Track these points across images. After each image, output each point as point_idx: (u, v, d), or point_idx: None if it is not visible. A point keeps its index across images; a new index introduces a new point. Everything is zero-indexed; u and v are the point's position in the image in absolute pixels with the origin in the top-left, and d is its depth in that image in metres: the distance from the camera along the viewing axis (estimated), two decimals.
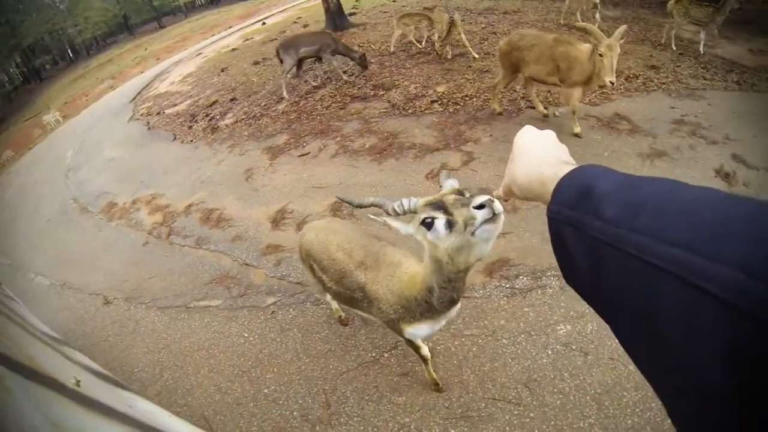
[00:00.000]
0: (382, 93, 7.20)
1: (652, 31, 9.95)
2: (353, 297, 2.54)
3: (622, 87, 7.12)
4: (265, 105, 8.01)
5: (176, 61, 15.27)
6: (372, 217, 1.86)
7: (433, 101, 6.59)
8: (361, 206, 1.92)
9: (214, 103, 8.95)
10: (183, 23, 23.80)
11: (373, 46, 9.53)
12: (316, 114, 7.12)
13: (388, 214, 1.83)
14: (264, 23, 15.81)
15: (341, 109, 7.04)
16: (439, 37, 8.12)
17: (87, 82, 18.96)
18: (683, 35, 9.77)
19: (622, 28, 4.65)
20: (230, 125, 7.71)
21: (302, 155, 5.96)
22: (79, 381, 1.92)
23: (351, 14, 12.66)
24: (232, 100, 8.76)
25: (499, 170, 4.92)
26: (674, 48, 8.63)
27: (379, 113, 6.60)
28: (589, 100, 6.61)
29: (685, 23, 8.63)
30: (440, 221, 1.70)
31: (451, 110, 6.31)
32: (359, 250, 2.58)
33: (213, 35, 17.71)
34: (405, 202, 1.82)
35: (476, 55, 8.04)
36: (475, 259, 1.77)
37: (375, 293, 2.41)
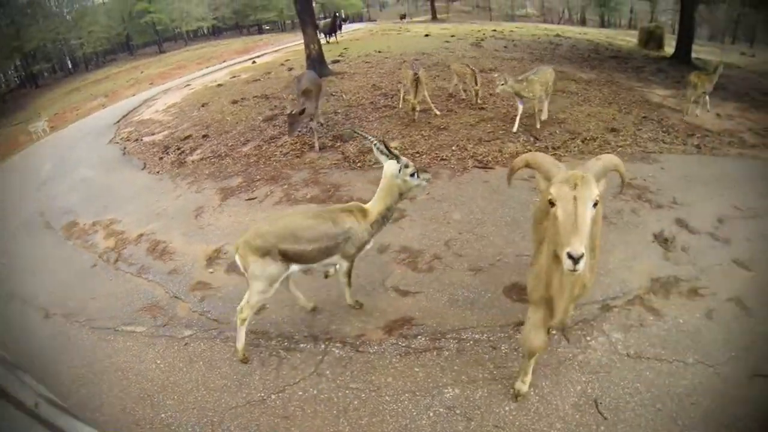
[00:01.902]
0: (339, 145, 7.70)
1: (622, 94, 10.49)
2: (334, 245, 3.68)
3: (576, 149, 7.43)
4: (231, 145, 8.48)
5: (165, 89, 15.69)
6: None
7: None
8: (371, 140, 3.85)
9: (188, 137, 9.41)
10: (182, 51, 24.38)
11: (344, 96, 10.08)
12: (274, 160, 7.58)
13: (381, 153, 3.77)
14: (254, 62, 16.42)
15: (297, 157, 7.51)
16: (405, 93, 8.59)
17: (80, 96, 19.34)
18: (652, 99, 10.43)
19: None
20: (196, 161, 8.16)
21: (249, 199, 6.42)
22: (37, 403, 2.18)
23: (335, 62, 13.29)
24: (204, 136, 9.23)
25: (426, 230, 5.32)
26: (697, 114, 9.17)
27: (330, 164, 7.09)
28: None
29: (699, 92, 9.13)
30: (410, 167, 3.70)
31: None
32: (324, 214, 3.76)
33: (207, 67, 18.33)
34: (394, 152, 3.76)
35: (438, 112, 8.57)
36: (410, 192, 3.85)
37: (356, 229, 3.71)
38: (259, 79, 12.89)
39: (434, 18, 25.07)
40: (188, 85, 15.10)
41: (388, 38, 17.79)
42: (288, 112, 7.30)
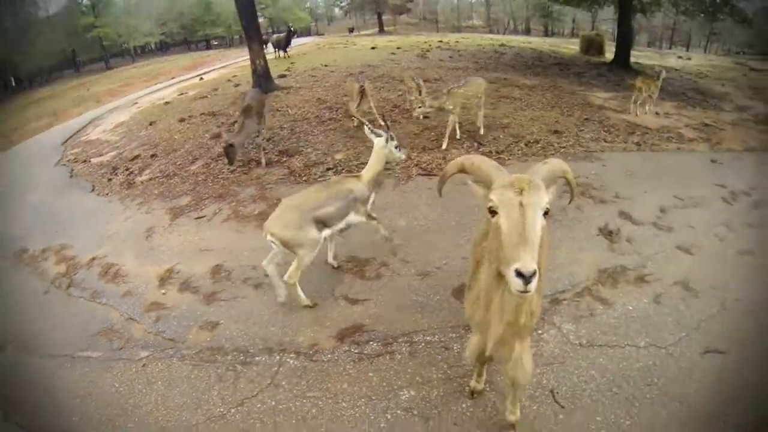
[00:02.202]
0: (285, 159, 7.95)
1: (564, 98, 11.11)
2: (347, 204, 4.66)
3: (519, 152, 7.86)
4: (180, 164, 8.60)
5: (113, 108, 15.49)
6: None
7: (328, 168, 7.38)
8: (365, 124, 5.10)
9: (136, 157, 9.45)
10: (130, 67, 23.94)
11: (290, 111, 10.32)
12: (222, 177, 7.77)
13: (371, 132, 4.94)
14: (201, 78, 16.39)
15: (244, 174, 7.72)
16: (350, 107, 8.83)
17: (25, 115, 18.55)
18: (594, 102, 11.03)
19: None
20: (145, 182, 8.24)
21: (198, 218, 6.60)
22: None
23: (282, 76, 13.49)
24: (152, 156, 9.30)
25: (372, 239, 5.47)
26: (637, 114, 10.09)
27: (276, 180, 7.34)
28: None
29: (644, 95, 10.06)
30: (395, 141, 4.97)
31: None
32: (331, 184, 4.80)
33: (155, 84, 18.10)
34: (382, 132, 4.92)
35: (383, 123, 8.88)
36: (394, 160, 5.22)
37: (358, 189, 4.75)
38: (207, 96, 12.96)
39: (381, 31, 25.41)
40: (136, 103, 14.98)
41: (335, 52, 18.01)
42: (224, 141, 7.43)
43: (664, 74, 10.47)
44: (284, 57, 17.74)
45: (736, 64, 19.58)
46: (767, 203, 6.59)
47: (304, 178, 7.28)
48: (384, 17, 26.54)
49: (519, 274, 1.80)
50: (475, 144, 8.15)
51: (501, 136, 8.47)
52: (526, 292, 1.83)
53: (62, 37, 25.18)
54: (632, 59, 16.45)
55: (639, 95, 9.99)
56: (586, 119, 9.58)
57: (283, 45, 17.92)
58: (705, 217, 6.00)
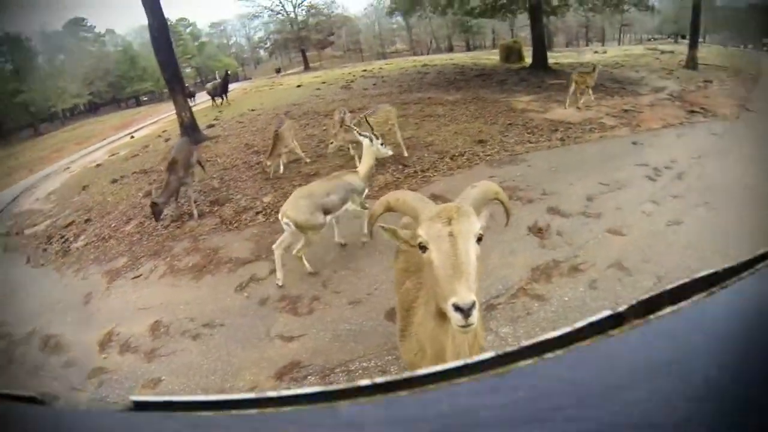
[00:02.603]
0: (216, 209, 8.17)
1: (488, 107, 11.63)
2: (346, 194, 5.70)
3: (445, 167, 8.20)
4: (114, 226, 8.69)
5: (45, 175, 15.36)
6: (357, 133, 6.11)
7: (257, 213, 7.64)
8: (354, 129, 6.55)
9: (70, 224, 9.45)
10: (60, 132, 23.48)
11: (219, 160, 10.55)
12: (156, 234, 7.90)
13: (360, 135, 6.00)
14: (132, 137, 16.40)
15: (178, 228, 7.89)
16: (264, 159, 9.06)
17: None
18: (517, 106, 11.55)
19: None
20: (80, 248, 8.29)
21: (135, 277, 6.75)
22: None
23: (210, 126, 13.71)
24: (87, 221, 9.33)
25: (302, 274, 5.74)
26: (579, 108, 10.84)
27: (209, 230, 7.55)
28: (407, 187, 7.38)
29: (580, 89, 10.87)
30: (380, 139, 6.02)
31: (272, 220, 7.24)
32: (332, 178, 5.83)
33: (87, 147, 17.78)
34: (368, 134, 5.99)
35: (307, 160, 9.22)
36: (382, 156, 6.18)
37: (356, 182, 5.77)
38: (138, 154, 13.02)
39: (307, 68, 25.87)
40: (68, 168, 14.89)
41: (262, 95, 18.38)
42: (151, 199, 7.62)
43: (599, 67, 11.52)
44: (224, 103, 17.75)
45: (647, 50, 20.84)
46: (690, 173, 7.09)
47: (235, 225, 7.51)
48: (309, 53, 27.08)
49: (457, 308, 1.71)
50: (400, 166, 8.51)
51: (426, 155, 8.85)
52: (467, 326, 1.73)
53: None
54: (552, 60, 17.32)
55: (576, 88, 10.84)
56: (510, 124, 10.05)
57: (219, 92, 17.92)
58: (631, 197, 6.39)
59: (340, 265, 5.98)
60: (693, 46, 16.84)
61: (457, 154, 8.64)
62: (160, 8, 12.37)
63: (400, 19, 25.40)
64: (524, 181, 7.13)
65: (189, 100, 17.08)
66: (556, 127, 9.61)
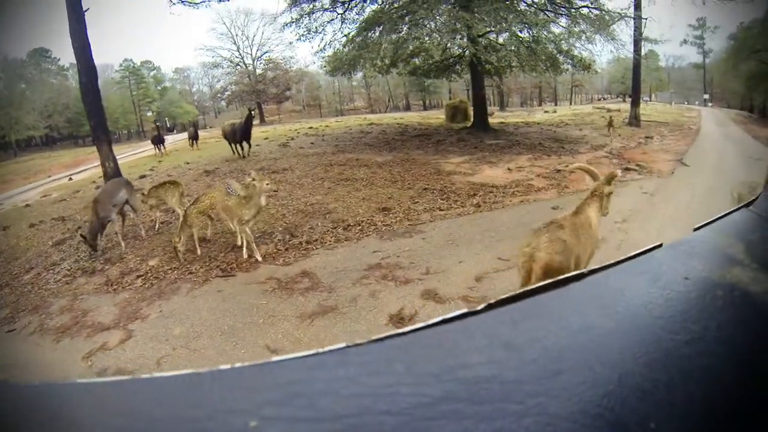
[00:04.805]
0: (108, 267, 8.66)
1: (413, 170, 11.73)
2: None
3: (332, 239, 8.10)
4: (15, 274, 9.11)
5: None
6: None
7: (138, 276, 8.02)
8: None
9: None
10: (11, 162, 23.39)
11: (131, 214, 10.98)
12: (47, 287, 8.30)
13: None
14: (71, 179, 16.72)
15: (67, 283, 8.29)
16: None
17: None
18: (445, 168, 11.68)
19: None
20: None
21: (9, 331, 7.18)
22: None
23: (142, 176, 14.31)
24: None
25: (144, 349, 5.91)
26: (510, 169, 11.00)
27: (92, 289, 7.96)
28: (283, 260, 7.52)
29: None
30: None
31: (149, 284, 7.63)
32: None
33: (33, 182, 18.06)
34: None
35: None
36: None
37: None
38: (66, 199, 13.46)
39: (262, 121, 26.19)
40: (0, 205, 15.11)
41: (206, 147, 18.64)
42: (80, 232, 8.54)
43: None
44: (164, 154, 18.00)
45: (595, 108, 21.92)
46: (608, 241, 6.56)
47: (116, 287, 7.85)
48: (269, 107, 27.87)
49: None
50: (288, 236, 8.54)
51: (320, 224, 8.82)
52: None
53: None
54: (499, 120, 18.49)
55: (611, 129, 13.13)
56: (425, 189, 10.05)
57: (158, 140, 18.34)
58: None
59: (180, 342, 6.06)
60: (635, 103, 17.85)
61: (352, 224, 8.56)
62: (89, 53, 12.72)
63: (359, 75, 25.27)
64: (409, 258, 6.84)
65: (160, 145, 18.14)
66: (475, 192, 9.53)
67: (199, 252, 8.22)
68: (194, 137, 19.10)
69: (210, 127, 27.73)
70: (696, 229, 0.85)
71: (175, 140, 20.86)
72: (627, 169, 11.04)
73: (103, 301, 7.50)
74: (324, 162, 13.59)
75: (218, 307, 6.56)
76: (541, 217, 7.04)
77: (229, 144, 15.72)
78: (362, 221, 8.58)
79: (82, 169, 18.57)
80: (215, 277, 7.54)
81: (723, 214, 0.91)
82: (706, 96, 21.90)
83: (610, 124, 16.50)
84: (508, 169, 11.27)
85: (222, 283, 7.31)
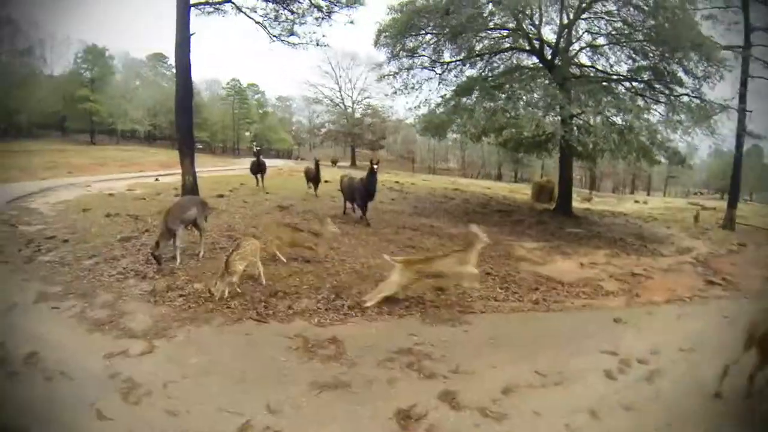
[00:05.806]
0: (158, 278, 8.88)
1: (485, 249, 10.08)
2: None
3: (374, 311, 7.56)
4: (78, 256, 9.71)
5: (69, 184, 16.40)
6: None
7: (181, 295, 8.10)
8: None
9: (52, 237, 10.72)
10: (112, 148, 24.19)
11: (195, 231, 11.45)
12: (100, 279, 8.63)
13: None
14: (157, 179, 17.53)
15: (118, 281, 8.60)
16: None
17: None
18: (515, 253, 10.92)
19: None
20: (43, 262, 9.36)
21: (54, 308, 7.54)
22: None
23: (220, 196, 14.74)
24: (65, 241, 10.52)
25: (158, 369, 5.75)
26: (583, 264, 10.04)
27: (137, 293, 8.11)
28: (318, 320, 7.23)
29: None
30: None
31: (187, 306, 7.65)
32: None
33: (125, 172, 19.13)
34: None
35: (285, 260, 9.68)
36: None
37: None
38: (145, 198, 14.07)
39: (353, 164, 26.62)
40: (89, 186, 16.03)
41: (290, 179, 18.53)
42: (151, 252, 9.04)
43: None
44: (261, 188, 17.73)
45: (690, 204, 20.41)
46: (666, 373, 5.75)
47: (162, 299, 8.01)
48: (364, 151, 27.99)
49: None
50: (332, 296, 8.15)
51: (369, 290, 8.15)
52: None
53: (57, 99, 26.79)
54: (588, 204, 17.47)
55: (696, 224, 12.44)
56: (488, 273, 9.30)
57: (256, 169, 17.91)
58: (565, 400, 5.10)
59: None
60: (732, 204, 16.25)
61: (401, 298, 7.92)
62: (189, 74, 13.39)
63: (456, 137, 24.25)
64: (443, 350, 6.25)
65: (259, 175, 17.65)
66: (538, 286, 8.75)
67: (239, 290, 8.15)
68: (258, 170, 17.81)
69: (302, 159, 28.73)
70: None
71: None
72: (710, 282, 9.92)
73: (142, 309, 7.63)
74: (397, 223, 13.38)
75: (240, 350, 6.45)
76: (599, 330, 7.03)
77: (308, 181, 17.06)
78: (412, 297, 8.00)
79: (170, 172, 18.73)
80: (248, 318, 7.41)
81: None
82: None
83: (696, 218, 15.47)
84: (581, 263, 10.42)
85: (253, 327, 7.18)
